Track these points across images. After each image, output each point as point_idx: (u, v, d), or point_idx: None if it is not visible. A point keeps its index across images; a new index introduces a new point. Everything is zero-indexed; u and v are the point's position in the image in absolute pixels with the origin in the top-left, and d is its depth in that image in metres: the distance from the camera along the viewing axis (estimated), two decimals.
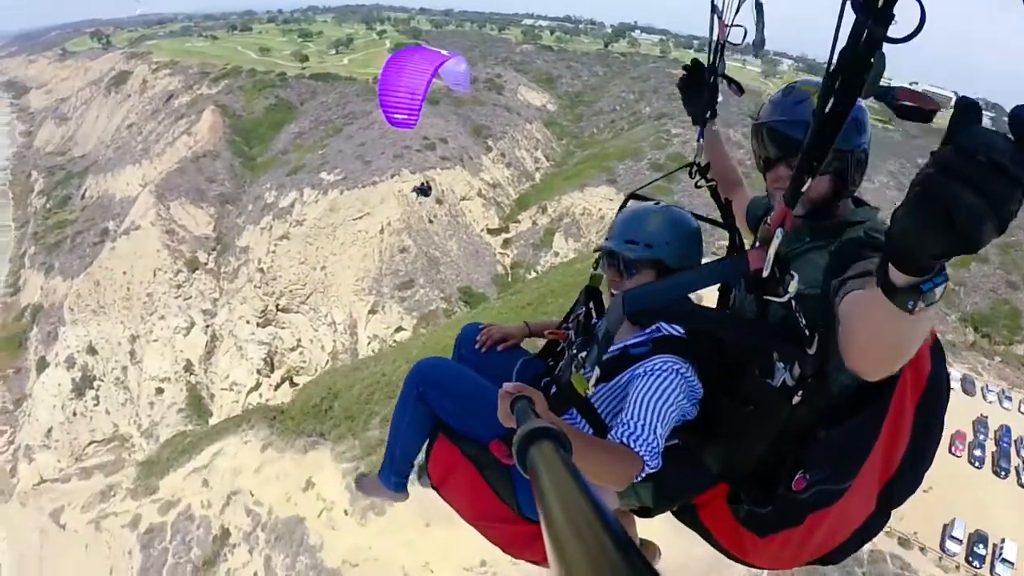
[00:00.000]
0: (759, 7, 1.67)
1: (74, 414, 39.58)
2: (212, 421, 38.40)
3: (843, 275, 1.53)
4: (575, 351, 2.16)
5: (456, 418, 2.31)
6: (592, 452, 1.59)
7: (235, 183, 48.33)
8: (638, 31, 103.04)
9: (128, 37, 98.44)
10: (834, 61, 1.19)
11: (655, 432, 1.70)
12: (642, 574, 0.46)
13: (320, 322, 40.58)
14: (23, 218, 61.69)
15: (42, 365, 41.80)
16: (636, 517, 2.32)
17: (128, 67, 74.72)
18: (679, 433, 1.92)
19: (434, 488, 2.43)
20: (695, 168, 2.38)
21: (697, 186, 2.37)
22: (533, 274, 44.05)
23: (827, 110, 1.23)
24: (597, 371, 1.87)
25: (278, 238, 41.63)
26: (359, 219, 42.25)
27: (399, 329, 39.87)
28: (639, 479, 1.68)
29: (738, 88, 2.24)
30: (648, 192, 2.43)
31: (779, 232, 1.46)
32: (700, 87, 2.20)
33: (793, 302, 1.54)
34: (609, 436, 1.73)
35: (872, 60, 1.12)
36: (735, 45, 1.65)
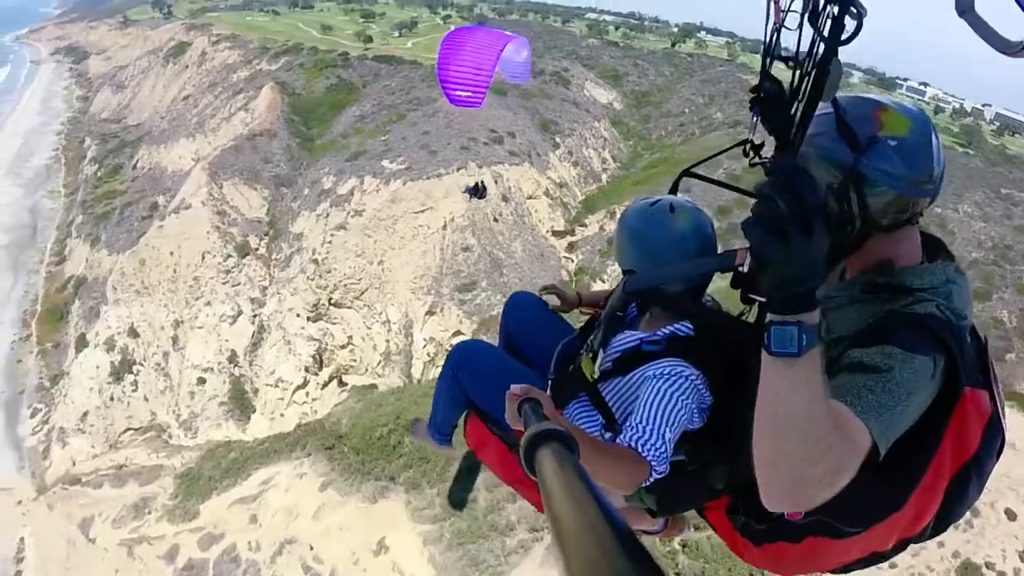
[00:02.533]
0: None
1: (111, 399, 36.39)
2: (254, 418, 35.27)
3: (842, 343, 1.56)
4: (595, 334, 2.19)
5: (485, 400, 2.45)
6: (600, 455, 1.55)
7: (291, 165, 44.56)
8: (703, 32, 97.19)
9: (189, 8, 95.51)
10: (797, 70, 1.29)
11: (663, 437, 1.70)
12: (649, 574, 0.45)
13: (374, 320, 36.69)
14: (73, 184, 58.97)
15: (81, 343, 38.65)
16: None
17: (187, 38, 71.59)
18: (685, 446, 1.91)
19: (472, 451, 2.61)
20: (749, 145, 1.99)
21: (752, 164, 1.94)
22: (599, 283, 39.64)
23: (794, 111, 1.30)
24: (603, 354, 2.01)
25: (334, 227, 37.71)
26: (421, 212, 38.16)
27: (457, 332, 35.82)
28: (647, 484, 1.65)
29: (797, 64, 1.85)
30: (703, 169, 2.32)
31: None
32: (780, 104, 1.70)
33: None
34: (618, 439, 1.74)
35: (829, 67, 1.21)
36: (791, 30, 1.45)
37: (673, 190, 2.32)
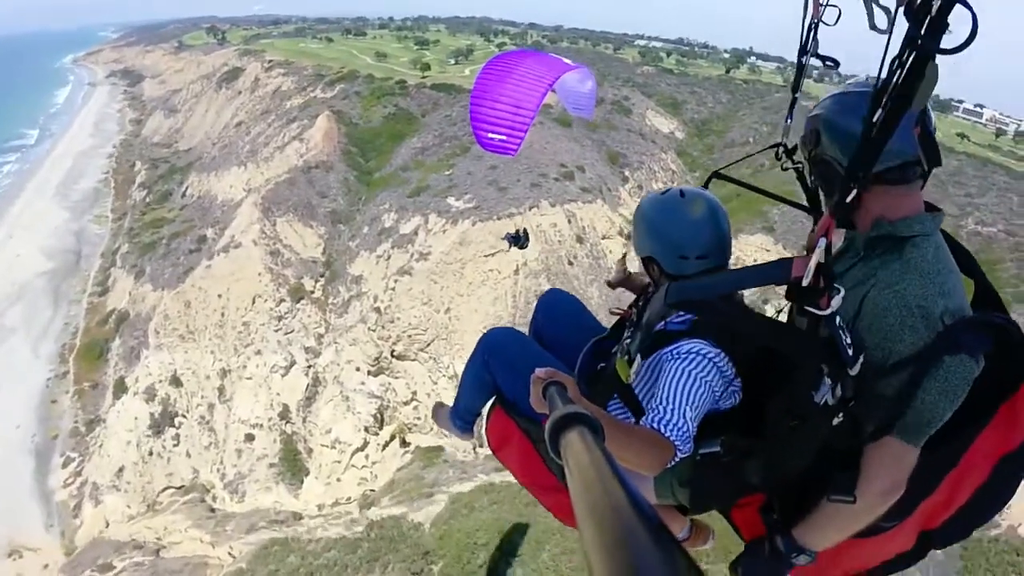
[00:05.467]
0: None
1: (150, 453, 31.78)
2: (308, 481, 30.33)
3: (881, 348, 1.56)
4: (629, 335, 2.12)
5: (513, 389, 2.34)
6: (624, 438, 1.53)
7: (349, 200, 39.96)
8: (754, 57, 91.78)
9: (243, 35, 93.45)
10: (884, 71, 1.15)
11: (685, 416, 1.66)
12: (674, 557, 0.45)
13: (440, 373, 31.66)
14: (121, 210, 55.34)
15: (120, 387, 34.20)
16: None
17: (241, 64, 68.47)
18: (721, 436, 1.86)
19: (492, 451, 2.52)
20: (782, 149, 2.14)
21: (784, 168, 2.10)
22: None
23: (875, 120, 1.20)
24: (639, 359, 1.90)
25: (397, 272, 32.81)
26: (491, 256, 33.00)
27: None
28: (673, 463, 1.63)
29: (835, 63, 1.93)
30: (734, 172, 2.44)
31: (822, 242, 1.42)
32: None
33: (838, 318, 1.50)
34: (641, 421, 1.71)
35: (924, 71, 1.09)
36: (829, 25, 1.50)
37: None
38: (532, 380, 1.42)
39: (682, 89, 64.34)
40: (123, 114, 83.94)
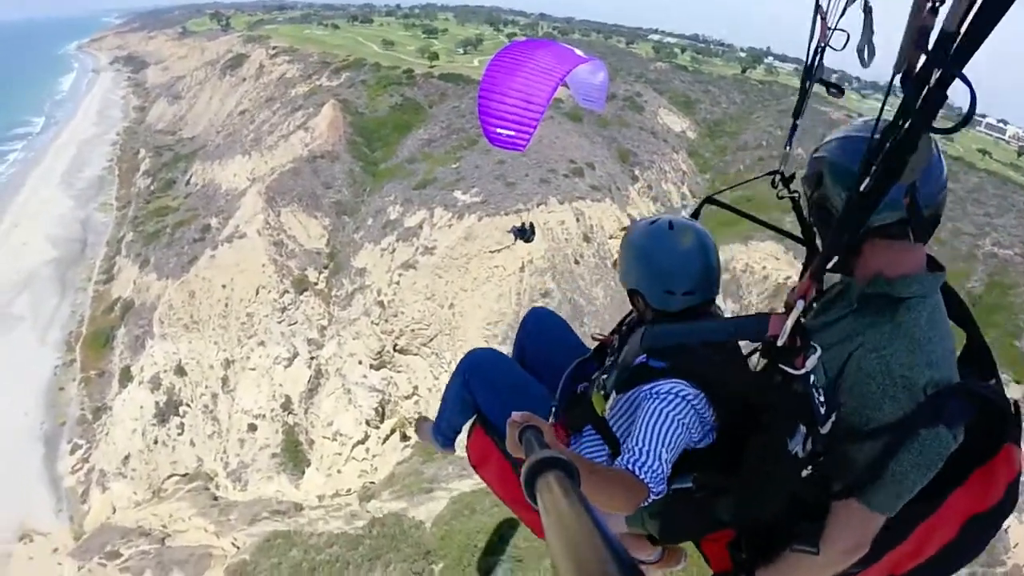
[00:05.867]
0: (868, 9, 1.38)
1: (155, 442, 31.85)
2: (309, 472, 30.38)
3: (859, 415, 1.55)
4: (607, 366, 2.14)
5: (493, 409, 2.35)
6: (598, 480, 1.53)
7: (354, 191, 39.62)
8: (771, 57, 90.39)
9: (247, 21, 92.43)
10: (875, 140, 1.15)
11: (660, 459, 1.66)
12: None
13: (442, 369, 31.55)
14: (126, 198, 55.10)
15: (126, 376, 34.21)
16: None
17: (245, 50, 67.77)
18: (695, 472, 1.85)
19: (473, 467, 2.51)
20: (779, 177, 2.10)
21: (780, 197, 2.06)
22: None
23: (863, 189, 1.19)
24: (614, 395, 1.92)
25: (402, 265, 32.62)
26: (497, 252, 32.76)
27: None
28: (646, 504, 1.62)
29: (838, 91, 1.91)
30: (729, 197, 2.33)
31: (800, 303, 1.42)
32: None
33: (812, 377, 1.50)
34: (616, 462, 1.71)
35: (916, 144, 1.08)
36: (836, 50, 1.49)
37: (694, 216, 2.21)
38: (508, 423, 1.41)
39: (696, 87, 63.19)
40: (127, 101, 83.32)
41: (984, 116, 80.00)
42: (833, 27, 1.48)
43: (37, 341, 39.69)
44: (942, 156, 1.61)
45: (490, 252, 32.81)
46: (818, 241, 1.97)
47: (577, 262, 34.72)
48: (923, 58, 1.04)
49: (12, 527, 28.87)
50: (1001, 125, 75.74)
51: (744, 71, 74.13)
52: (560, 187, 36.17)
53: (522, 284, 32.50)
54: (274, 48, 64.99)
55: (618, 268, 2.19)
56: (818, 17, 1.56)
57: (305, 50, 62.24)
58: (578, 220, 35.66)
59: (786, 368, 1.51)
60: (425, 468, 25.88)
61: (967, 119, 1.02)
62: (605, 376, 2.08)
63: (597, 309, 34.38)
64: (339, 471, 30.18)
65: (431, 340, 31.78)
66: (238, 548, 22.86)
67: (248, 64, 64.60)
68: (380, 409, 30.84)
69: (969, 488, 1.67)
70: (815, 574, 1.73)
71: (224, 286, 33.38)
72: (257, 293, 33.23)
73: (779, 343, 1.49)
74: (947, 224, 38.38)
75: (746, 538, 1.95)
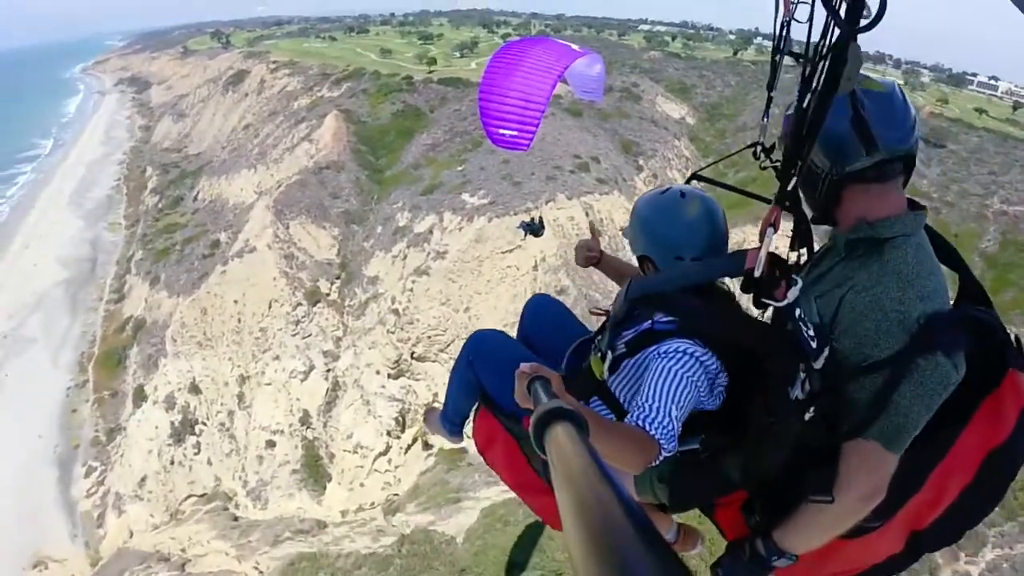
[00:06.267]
0: None
1: (171, 462, 31.22)
2: (330, 487, 29.57)
3: (857, 353, 1.53)
4: (601, 328, 2.13)
5: (497, 389, 2.32)
6: (609, 434, 1.50)
7: (361, 199, 38.97)
8: (760, 38, 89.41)
9: (247, 37, 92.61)
10: (810, 55, 1.22)
11: (670, 415, 1.63)
12: (661, 554, 0.43)
13: None
14: (134, 216, 54.75)
15: (139, 396, 33.66)
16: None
17: (246, 66, 67.60)
18: (701, 434, 1.86)
19: (479, 452, 2.50)
20: (760, 148, 2.03)
21: (762, 168, 1.98)
22: None
23: (805, 105, 1.24)
24: (610, 355, 1.91)
25: (414, 272, 31.87)
26: (509, 252, 31.96)
27: None
28: (656, 462, 1.60)
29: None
30: (712, 172, 2.37)
31: (770, 231, 1.46)
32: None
33: (798, 311, 1.53)
34: (626, 419, 1.67)
35: (845, 54, 1.12)
36: (800, 22, 1.49)
37: None
38: (517, 375, 1.37)
39: (690, 73, 62.65)
40: (132, 121, 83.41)
41: (975, 74, 78.95)
42: (796, 1, 1.45)
43: (49, 362, 39.30)
44: (907, 101, 1.60)
45: (502, 253, 32.05)
46: (803, 199, 1.86)
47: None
48: None
49: (27, 553, 28.33)
50: (992, 82, 74.59)
51: (735, 53, 73.82)
52: (567, 183, 35.41)
53: (536, 283, 31.68)
54: (274, 63, 64.78)
55: (628, 235, 2.18)
56: None
57: (305, 63, 62.01)
58: (587, 214, 34.80)
59: (768, 301, 1.52)
60: (450, 477, 25.13)
61: (879, 16, 1.05)
62: (600, 337, 2.06)
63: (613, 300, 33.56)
64: (361, 484, 29.42)
65: (448, 346, 30.99)
66: (261, 573, 22.11)
67: (249, 79, 64.38)
68: (400, 419, 30.08)
69: (979, 422, 1.63)
70: (835, 526, 1.68)
71: (236, 301, 32.80)
72: (270, 307, 32.62)
73: (756, 274, 1.50)
74: (953, 186, 37.57)
75: (759, 498, 1.93)
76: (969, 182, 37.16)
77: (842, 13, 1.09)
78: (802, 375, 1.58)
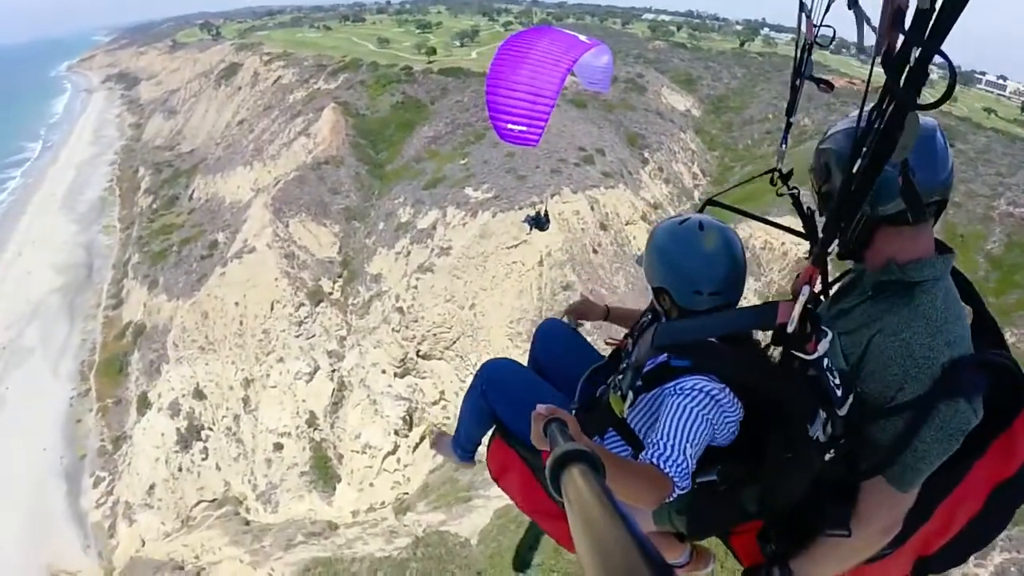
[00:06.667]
0: (854, 4, 1.34)
1: (179, 469, 30.74)
2: (340, 488, 29.23)
3: (882, 396, 1.55)
4: (621, 370, 2.10)
5: (512, 419, 2.31)
6: (624, 474, 1.51)
7: (362, 195, 38.13)
8: (767, 29, 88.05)
9: (237, 28, 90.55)
10: (863, 123, 1.20)
11: (684, 453, 1.64)
12: None
13: (467, 371, 30.19)
14: (128, 218, 53.67)
15: (143, 403, 33.08)
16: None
17: (238, 59, 66.01)
18: (718, 464, 1.85)
19: (494, 479, 2.50)
20: (777, 175, 2.13)
21: (779, 194, 2.09)
22: None
23: (856, 170, 1.23)
24: (631, 396, 1.90)
25: (418, 269, 31.21)
26: (514, 247, 31.38)
27: None
28: (672, 499, 1.61)
29: (828, 86, 1.94)
30: (729, 198, 2.29)
31: (805, 289, 1.45)
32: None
33: (826, 361, 1.51)
34: (640, 456, 1.68)
35: (903, 122, 1.11)
36: (823, 47, 1.50)
37: None
38: (533, 416, 1.38)
39: (696, 64, 61.40)
40: (122, 119, 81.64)
41: (984, 73, 78.25)
42: (819, 24, 1.44)
43: (50, 373, 38.55)
44: (947, 144, 1.58)
45: (507, 248, 31.41)
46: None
47: (595, 251, 33.25)
48: (901, 38, 1.04)
49: (40, 568, 27.93)
50: (1000, 82, 74.06)
51: (742, 44, 72.02)
52: (572, 176, 34.68)
53: (542, 278, 31.09)
54: (267, 54, 63.26)
55: (643, 264, 2.14)
56: (803, 16, 1.51)
57: (299, 54, 60.50)
58: (593, 208, 34.17)
59: (798, 354, 1.51)
60: (459, 476, 24.74)
61: (948, 94, 1.04)
62: (621, 377, 2.04)
63: (619, 298, 32.89)
64: (371, 484, 29.02)
65: (454, 343, 30.46)
66: None
67: (242, 72, 62.90)
68: (408, 417, 29.59)
69: (990, 458, 1.64)
70: (851, 558, 1.71)
71: (237, 304, 32.07)
72: (272, 308, 31.91)
73: (789, 330, 1.50)
74: (960, 187, 37.10)
75: (775, 527, 1.92)
76: (976, 183, 36.70)
77: (902, 82, 1.05)
78: (822, 415, 1.57)
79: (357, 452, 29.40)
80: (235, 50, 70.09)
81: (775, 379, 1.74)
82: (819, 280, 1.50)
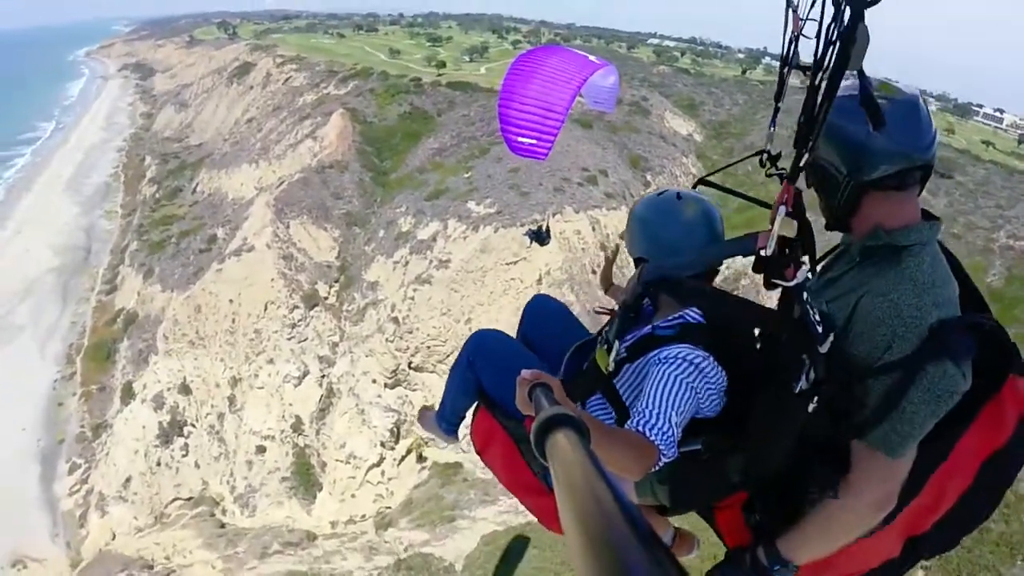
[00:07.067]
0: None
1: (158, 463, 30.08)
2: (321, 497, 28.52)
3: (870, 357, 1.53)
4: (609, 321, 2.07)
5: (497, 389, 2.29)
6: (609, 440, 1.48)
7: (364, 201, 37.86)
8: (768, 58, 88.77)
9: (253, 29, 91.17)
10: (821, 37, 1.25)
11: (670, 421, 1.63)
12: (662, 561, 0.43)
13: None
14: (131, 205, 53.39)
15: (127, 392, 32.46)
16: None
17: (252, 59, 66.25)
18: (703, 435, 1.84)
19: (477, 453, 2.46)
20: (766, 156, 2.00)
21: (768, 175, 1.95)
22: None
23: (817, 83, 1.27)
24: (618, 344, 1.85)
25: (416, 280, 30.86)
26: (513, 264, 31.02)
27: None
28: (657, 468, 1.60)
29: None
30: (719, 178, 2.29)
31: (782, 209, 1.46)
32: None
33: (805, 294, 1.53)
34: (626, 425, 1.67)
35: (855, 32, 1.15)
36: (808, 38, 1.47)
37: None
38: (518, 382, 1.36)
39: (699, 90, 61.59)
40: (134, 108, 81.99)
41: (981, 106, 78.82)
42: (804, 17, 1.43)
43: (37, 352, 37.99)
44: (930, 115, 1.58)
45: (506, 264, 31.07)
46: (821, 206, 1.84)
47: (595, 272, 32.91)
48: None
49: (5, 552, 27.27)
50: (997, 114, 74.34)
51: (744, 72, 72.80)
52: (575, 196, 34.48)
53: None
54: (281, 57, 63.48)
55: (625, 238, 2.18)
56: (789, 10, 1.55)
57: (312, 59, 60.69)
58: (594, 229, 33.90)
59: (777, 281, 1.53)
60: (444, 492, 24.13)
61: None
62: (608, 328, 1.98)
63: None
64: (353, 495, 28.36)
65: (447, 357, 29.95)
66: None
67: (255, 72, 63.05)
68: (395, 430, 29.03)
69: (979, 427, 1.62)
70: (843, 535, 1.66)
71: (231, 301, 31.62)
72: (266, 308, 31.46)
73: (766, 253, 1.51)
74: (959, 219, 36.98)
75: (760, 498, 1.90)
76: (976, 215, 36.59)
77: None
78: (807, 362, 1.54)
79: (341, 461, 28.77)
80: (250, 50, 70.39)
81: (765, 315, 1.74)
82: (793, 203, 1.45)
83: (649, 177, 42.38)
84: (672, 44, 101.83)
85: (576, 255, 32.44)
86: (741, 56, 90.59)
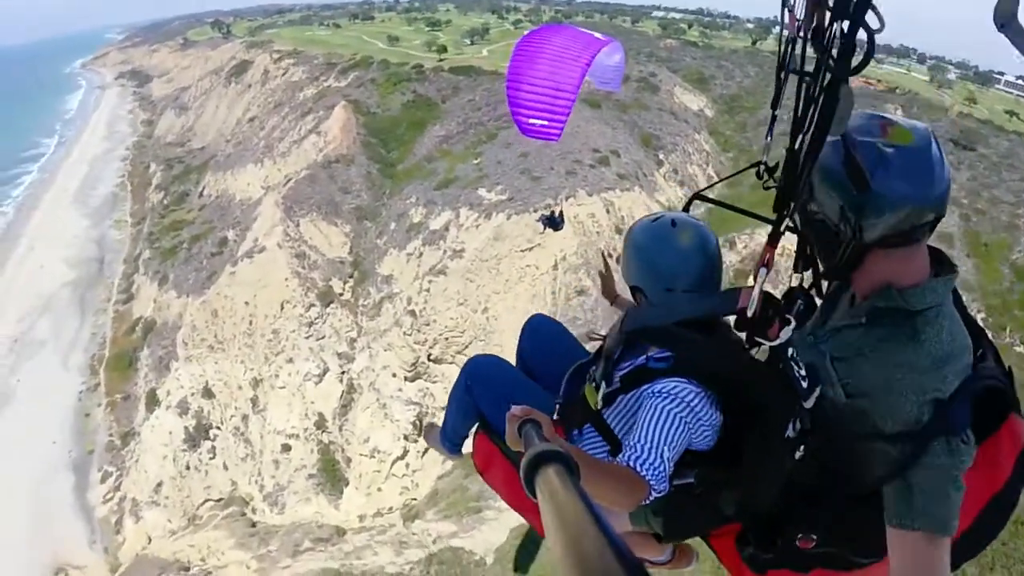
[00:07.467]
0: None
1: (187, 467, 30.35)
2: (347, 492, 28.56)
3: (883, 422, 1.44)
4: (594, 360, 2.12)
5: (495, 415, 2.30)
6: (599, 476, 1.48)
7: (373, 194, 37.56)
8: (777, 28, 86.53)
9: (248, 26, 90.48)
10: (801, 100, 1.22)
11: (662, 456, 1.62)
12: None
13: None
14: (140, 213, 53.53)
15: (152, 400, 32.70)
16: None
17: (248, 56, 65.80)
18: (696, 468, 1.84)
19: (479, 473, 2.45)
20: (763, 168, 1.96)
21: (765, 188, 1.86)
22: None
23: (797, 147, 1.24)
24: (604, 386, 1.90)
25: (431, 271, 30.61)
26: (528, 251, 30.67)
27: None
28: (648, 502, 1.60)
29: (812, 79, 1.77)
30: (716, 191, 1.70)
31: (763, 271, 1.43)
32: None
33: (791, 351, 1.50)
34: (617, 459, 1.66)
35: (838, 95, 1.12)
36: (804, 40, 1.41)
37: (685, 212, 2.16)
38: (508, 417, 1.34)
39: (708, 63, 59.97)
40: (134, 115, 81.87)
41: (1003, 73, 76.58)
42: (801, 19, 1.38)
43: (60, 366, 38.46)
44: (943, 155, 1.43)
45: (521, 251, 30.71)
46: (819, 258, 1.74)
47: (610, 256, 32.53)
48: (828, 14, 1.10)
49: (47, 560, 27.88)
50: (1020, 82, 71.99)
51: (754, 43, 70.96)
52: (587, 178, 33.89)
53: (556, 283, 30.38)
54: (277, 52, 62.88)
55: (620, 264, 2.15)
56: (785, 10, 1.50)
57: (309, 52, 60.10)
58: (608, 211, 33.38)
59: (760, 340, 1.50)
60: (469, 483, 24.08)
61: (866, 61, 1.08)
62: (594, 367, 2.05)
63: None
64: (379, 489, 28.45)
65: (466, 347, 29.80)
66: None
67: (253, 70, 62.57)
68: (418, 422, 28.98)
69: (976, 470, 1.50)
70: None
71: (247, 303, 31.60)
72: (282, 308, 31.41)
73: (749, 313, 1.48)
74: (983, 193, 36.05)
75: (753, 531, 1.89)
76: (1000, 188, 35.63)
77: (834, 54, 1.09)
78: (796, 411, 1.56)
79: (365, 456, 28.83)
80: (245, 48, 69.90)
81: (753, 370, 1.72)
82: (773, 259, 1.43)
83: (662, 156, 41.62)
84: (678, 16, 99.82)
85: (591, 239, 31.98)
86: (751, 26, 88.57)
